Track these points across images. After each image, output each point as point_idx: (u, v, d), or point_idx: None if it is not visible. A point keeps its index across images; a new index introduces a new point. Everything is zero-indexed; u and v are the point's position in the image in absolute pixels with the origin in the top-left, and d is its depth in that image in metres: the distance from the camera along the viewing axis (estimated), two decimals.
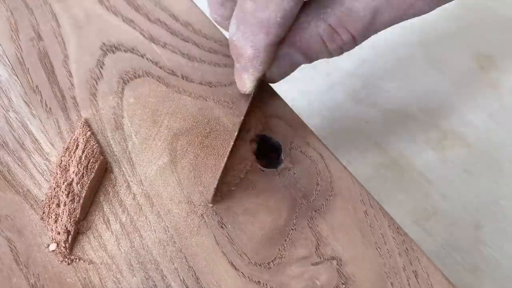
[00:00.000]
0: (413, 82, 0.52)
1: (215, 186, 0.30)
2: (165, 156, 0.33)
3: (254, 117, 0.34)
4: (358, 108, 0.49)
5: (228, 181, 0.31)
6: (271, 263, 0.29)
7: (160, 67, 0.37)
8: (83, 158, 0.32)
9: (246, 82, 0.31)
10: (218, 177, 0.30)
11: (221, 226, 0.30)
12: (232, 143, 0.31)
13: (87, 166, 0.31)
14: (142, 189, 0.31)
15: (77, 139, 0.32)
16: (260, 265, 0.29)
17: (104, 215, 0.30)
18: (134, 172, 0.32)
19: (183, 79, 0.37)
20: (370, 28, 0.27)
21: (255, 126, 0.33)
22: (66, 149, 0.32)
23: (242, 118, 0.32)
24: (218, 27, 0.39)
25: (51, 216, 0.29)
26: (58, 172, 0.31)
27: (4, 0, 0.40)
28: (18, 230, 0.29)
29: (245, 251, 0.29)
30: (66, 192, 0.30)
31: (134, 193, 0.31)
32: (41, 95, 0.35)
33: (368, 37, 0.28)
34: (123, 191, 0.31)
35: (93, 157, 0.32)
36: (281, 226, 0.30)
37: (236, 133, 0.31)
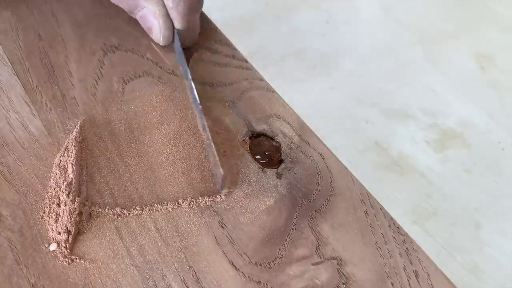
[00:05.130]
0: (413, 82, 0.52)
1: (221, 172, 0.30)
2: (165, 156, 0.33)
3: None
4: (358, 108, 0.49)
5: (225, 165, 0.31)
6: (271, 263, 0.29)
7: (160, 67, 0.37)
8: (82, 158, 0.32)
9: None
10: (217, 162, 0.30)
11: (221, 226, 0.30)
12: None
13: (86, 166, 0.31)
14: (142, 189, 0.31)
15: (76, 138, 0.32)
16: (260, 265, 0.29)
17: (105, 215, 0.30)
18: (134, 171, 0.32)
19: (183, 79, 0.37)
20: None
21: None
22: (65, 148, 0.32)
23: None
24: (219, 27, 0.39)
25: (52, 216, 0.29)
26: (57, 172, 0.31)
27: (4, 0, 0.40)
28: (18, 230, 0.29)
29: (246, 251, 0.29)
30: (66, 192, 0.30)
31: (134, 193, 0.31)
32: (41, 95, 0.35)
33: None
34: (122, 191, 0.31)
35: (92, 157, 0.32)
36: (281, 226, 0.30)
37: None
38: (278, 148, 0.33)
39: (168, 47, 0.38)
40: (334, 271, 0.28)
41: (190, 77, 0.34)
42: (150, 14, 0.36)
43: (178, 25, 0.36)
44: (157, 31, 0.36)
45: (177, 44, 0.36)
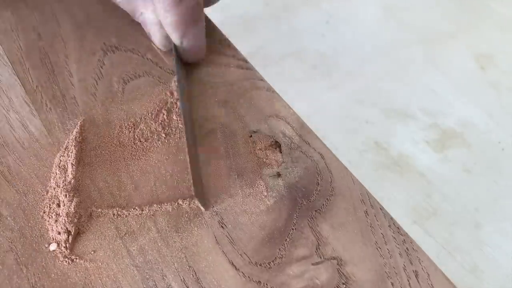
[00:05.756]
0: (413, 82, 0.52)
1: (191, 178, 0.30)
2: (165, 156, 0.33)
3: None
4: (358, 108, 0.49)
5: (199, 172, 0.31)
6: (271, 263, 0.29)
7: (160, 67, 0.37)
8: (82, 158, 0.32)
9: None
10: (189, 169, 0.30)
11: (221, 226, 0.30)
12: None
13: (86, 166, 0.31)
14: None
15: (76, 138, 0.32)
16: (260, 265, 0.29)
17: (105, 215, 0.30)
18: (134, 171, 0.32)
19: None
20: None
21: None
22: (65, 148, 0.32)
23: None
24: (218, 27, 0.39)
25: (52, 216, 0.29)
26: (57, 172, 0.31)
27: (4, 0, 0.40)
28: (18, 230, 0.29)
29: (246, 251, 0.29)
30: (66, 192, 0.30)
31: (134, 193, 0.31)
32: (41, 95, 0.35)
33: None
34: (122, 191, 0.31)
35: (92, 157, 0.32)
36: (281, 226, 0.30)
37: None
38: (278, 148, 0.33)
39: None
40: (334, 271, 0.28)
41: (178, 87, 0.33)
42: (148, 21, 0.35)
43: (173, 38, 0.34)
44: (156, 38, 0.36)
45: (175, 56, 0.35)
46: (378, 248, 0.29)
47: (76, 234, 0.29)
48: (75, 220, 0.29)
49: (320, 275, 0.28)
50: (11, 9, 0.40)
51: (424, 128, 0.47)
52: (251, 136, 0.34)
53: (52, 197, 0.30)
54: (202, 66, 0.38)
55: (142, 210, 0.30)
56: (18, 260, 0.28)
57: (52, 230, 0.29)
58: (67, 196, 0.29)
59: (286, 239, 0.29)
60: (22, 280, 0.27)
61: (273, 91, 0.36)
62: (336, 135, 0.46)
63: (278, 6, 0.57)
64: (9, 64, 0.36)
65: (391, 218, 0.31)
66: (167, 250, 0.29)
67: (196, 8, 0.33)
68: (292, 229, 0.30)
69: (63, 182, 0.30)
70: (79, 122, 0.33)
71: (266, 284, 0.28)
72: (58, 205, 0.29)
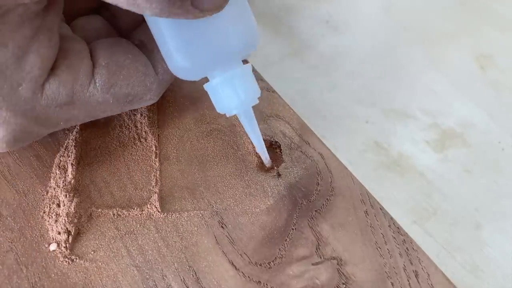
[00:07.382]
0: (413, 82, 0.52)
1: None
2: (165, 156, 0.33)
3: None
4: (358, 108, 0.49)
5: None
6: (271, 263, 0.29)
7: None
8: (82, 158, 0.32)
9: None
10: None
11: (221, 226, 0.30)
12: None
13: (86, 166, 0.31)
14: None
15: (76, 138, 0.32)
16: (260, 265, 0.29)
17: (105, 215, 0.30)
18: (134, 171, 0.32)
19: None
20: None
21: None
22: (65, 148, 0.32)
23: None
24: None
25: (52, 216, 0.29)
26: (57, 172, 0.31)
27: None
28: (18, 230, 0.29)
29: (246, 251, 0.29)
30: (66, 192, 0.30)
31: (134, 193, 0.31)
32: None
33: None
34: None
35: (92, 156, 0.32)
36: (281, 226, 0.30)
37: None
38: (278, 148, 0.34)
39: None
40: (334, 271, 0.28)
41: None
42: None
43: None
44: None
45: None
46: (378, 248, 0.29)
47: (76, 234, 0.29)
48: (75, 220, 0.29)
49: (320, 275, 0.28)
50: None
51: (424, 128, 0.47)
52: None
53: (52, 197, 0.30)
54: None
55: (142, 210, 0.30)
56: (18, 260, 0.28)
57: (52, 230, 0.29)
58: (67, 196, 0.29)
59: (286, 239, 0.29)
60: (22, 280, 0.27)
61: (273, 91, 0.36)
62: (336, 135, 0.46)
63: (278, 6, 0.57)
64: None
65: (391, 218, 0.31)
66: (167, 250, 0.29)
67: None
68: (292, 229, 0.30)
69: (63, 182, 0.30)
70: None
71: (266, 284, 0.28)
72: (58, 205, 0.29)
